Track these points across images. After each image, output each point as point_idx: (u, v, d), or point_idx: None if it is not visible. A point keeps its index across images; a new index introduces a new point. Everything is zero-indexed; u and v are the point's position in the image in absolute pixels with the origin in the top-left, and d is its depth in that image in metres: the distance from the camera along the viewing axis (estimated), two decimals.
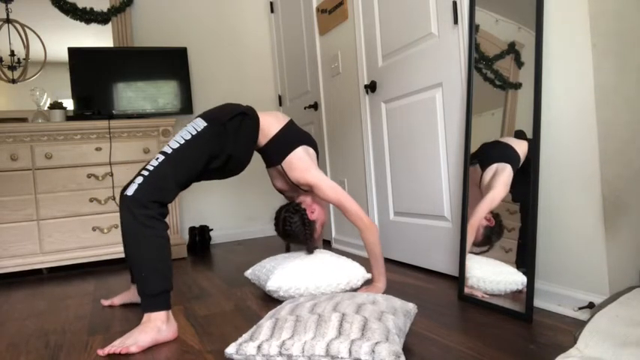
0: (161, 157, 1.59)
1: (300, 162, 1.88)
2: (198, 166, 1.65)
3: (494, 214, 1.61)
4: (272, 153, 1.92)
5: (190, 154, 1.63)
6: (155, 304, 1.50)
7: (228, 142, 1.72)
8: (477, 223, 1.68)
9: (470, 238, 1.72)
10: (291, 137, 1.93)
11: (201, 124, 1.70)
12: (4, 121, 2.85)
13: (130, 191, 1.51)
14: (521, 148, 1.52)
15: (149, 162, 1.60)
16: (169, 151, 1.61)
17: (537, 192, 1.47)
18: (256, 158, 2.08)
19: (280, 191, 2.07)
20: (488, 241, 1.64)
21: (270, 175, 2.06)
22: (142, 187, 1.51)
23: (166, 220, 1.58)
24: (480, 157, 1.70)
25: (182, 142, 1.63)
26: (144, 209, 1.49)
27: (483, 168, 1.66)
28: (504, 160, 1.57)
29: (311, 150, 1.98)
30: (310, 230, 1.92)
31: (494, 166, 1.61)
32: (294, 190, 2.01)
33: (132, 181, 1.54)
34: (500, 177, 1.58)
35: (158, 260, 1.50)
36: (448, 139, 2.01)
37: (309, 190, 1.92)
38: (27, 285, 2.67)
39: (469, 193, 1.75)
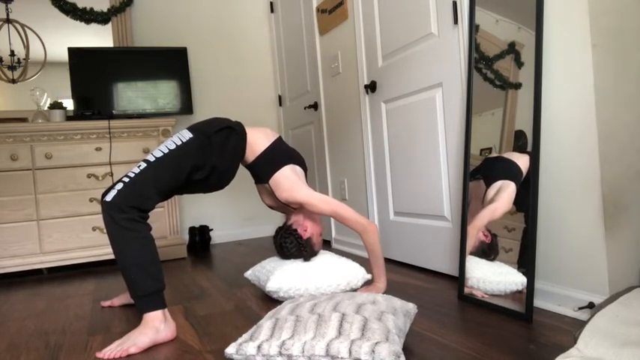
0: (143, 165, 1.60)
1: (287, 181, 1.87)
2: (180, 176, 1.66)
3: (492, 234, 1.62)
4: (259, 170, 1.92)
5: (173, 164, 1.64)
6: (149, 304, 1.50)
7: (212, 155, 1.72)
8: (478, 227, 1.68)
9: (470, 241, 1.72)
10: (278, 155, 1.93)
11: (186, 135, 1.71)
12: (4, 121, 2.85)
13: (109, 197, 1.51)
14: (523, 162, 1.52)
15: (131, 169, 1.61)
16: (152, 159, 1.62)
17: (537, 192, 1.47)
18: None
19: (270, 207, 2.07)
20: (482, 255, 1.66)
21: (258, 190, 2.06)
22: (120, 192, 1.52)
23: (148, 222, 1.58)
24: (484, 173, 1.70)
25: (166, 151, 1.64)
26: (122, 213, 1.50)
27: (488, 184, 1.66)
28: (509, 177, 1.57)
29: (298, 168, 1.97)
30: (307, 248, 1.93)
31: (498, 183, 1.61)
32: (283, 207, 2.01)
33: (112, 187, 1.54)
34: (505, 192, 1.58)
35: (144, 261, 1.50)
36: (448, 139, 2.01)
37: (299, 207, 1.92)
38: (27, 285, 2.67)
39: (472, 207, 1.75)
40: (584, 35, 1.40)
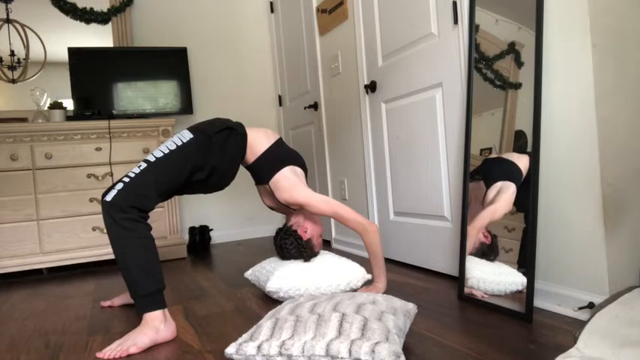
0: (144, 165, 1.60)
1: (287, 182, 1.87)
2: (180, 177, 1.66)
3: (492, 235, 1.62)
4: (259, 171, 1.93)
5: (173, 164, 1.64)
6: (149, 304, 1.50)
7: (212, 155, 1.73)
8: (478, 228, 1.68)
9: (470, 241, 1.72)
10: (279, 156, 1.93)
11: (187, 135, 1.71)
12: (4, 121, 2.85)
13: (109, 197, 1.51)
14: (522, 163, 1.52)
15: (132, 169, 1.61)
16: (152, 159, 1.62)
17: (537, 192, 1.47)
18: None
19: (270, 208, 2.08)
20: (482, 255, 1.66)
21: (259, 191, 2.06)
22: (120, 193, 1.52)
23: (148, 222, 1.58)
24: (483, 174, 1.70)
25: (167, 151, 1.65)
26: (123, 213, 1.50)
27: (488, 185, 1.66)
28: (509, 178, 1.57)
29: (298, 169, 1.97)
30: (308, 249, 1.93)
31: (498, 184, 1.61)
32: (283, 208, 2.02)
33: (112, 187, 1.54)
34: (505, 194, 1.58)
35: (145, 261, 1.51)
36: (448, 139, 2.01)
37: (299, 208, 1.92)
38: (27, 285, 2.67)
39: (472, 209, 1.74)
40: (584, 35, 1.40)
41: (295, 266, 1.87)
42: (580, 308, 1.40)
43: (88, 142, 2.94)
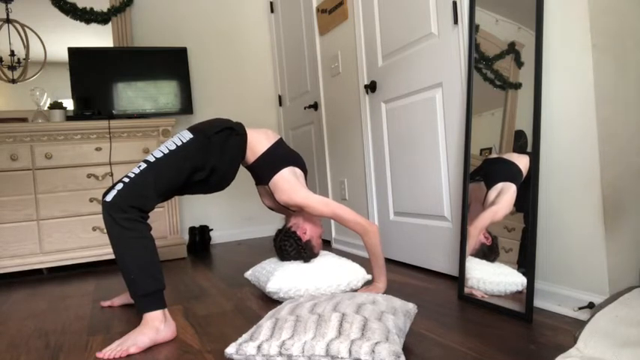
0: (143, 165, 1.61)
1: (286, 184, 1.87)
2: (180, 177, 1.66)
3: (493, 236, 1.62)
4: (259, 172, 1.93)
5: (173, 164, 1.64)
6: (149, 304, 1.50)
7: (212, 155, 1.73)
8: (479, 229, 1.68)
9: (471, 241, 1.72)
10: (278, 157, 1.93)
11: (187, 135, 1.72)
12: (4, 121, 2.85)
13: (109, 197, 1.52)
14: (523, 163, 1.52)
15: (132, 169, 1.61)
16: (152, 159, 1.62)
17: (537, 192, 1.47)
18: None
19: (270, 208, 2.08)
20: (482, 256, 1.66)
21: (258, 192, 2.07)
22: (120, 193, 1.52)
23: (148, 222, 1.59)
24: (484, 175, 1.70)
25: (166, 151, 1.65)
26: (123, 213, 1.50)
27: (489, 186, 1.66)
28: (510, 179, 1.57)
29: (298, 170, 1.97)
30: (307, 251, 1.93)
31: (499, 185, 1.61)
32: (283, 209, 2.02)
33: (112, 187, 1.55)
34: (505, 195, 1.58)
35: (144, 261, 1.51)
36: (448, 139, 2.01)
37: (298, 210, 1.92)
38: (27, 285, 2.67)
39: (472, 209, 1.74)
40: (584, 35, 1.40)
41: (295, 267, 1.87)
42: (580, 308, 1.40)
43: (88, 142, 2.94)
